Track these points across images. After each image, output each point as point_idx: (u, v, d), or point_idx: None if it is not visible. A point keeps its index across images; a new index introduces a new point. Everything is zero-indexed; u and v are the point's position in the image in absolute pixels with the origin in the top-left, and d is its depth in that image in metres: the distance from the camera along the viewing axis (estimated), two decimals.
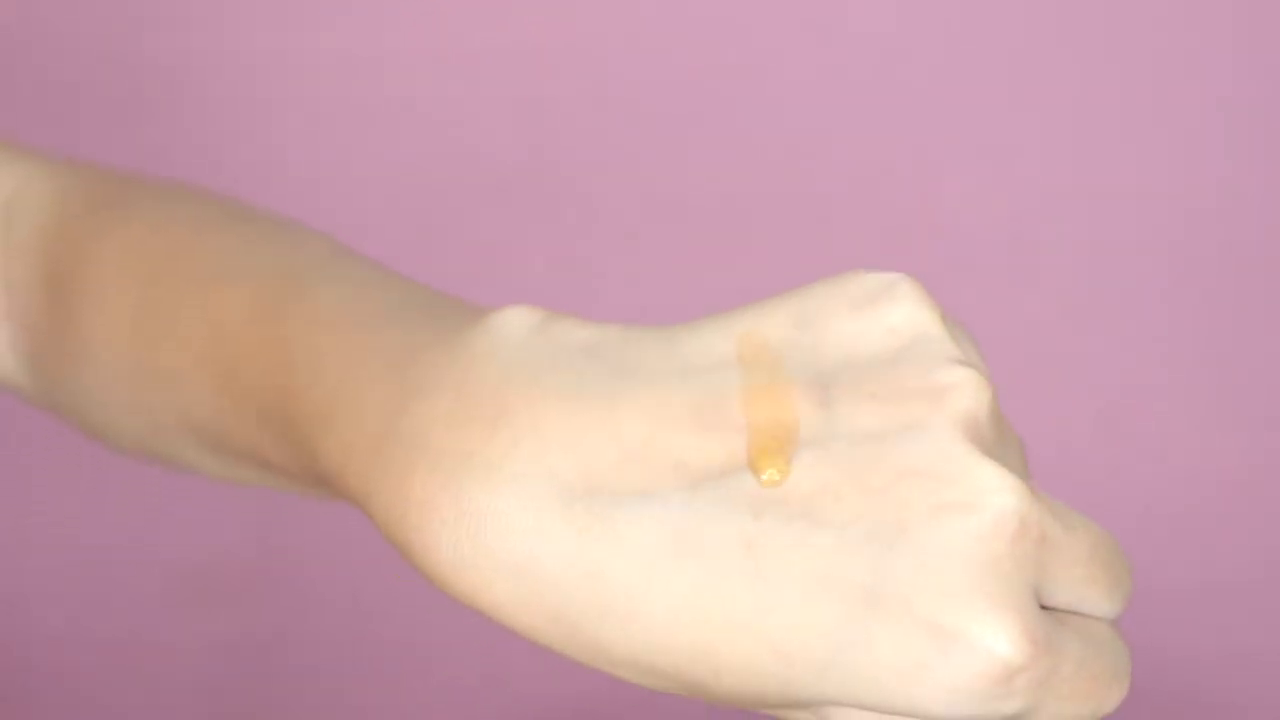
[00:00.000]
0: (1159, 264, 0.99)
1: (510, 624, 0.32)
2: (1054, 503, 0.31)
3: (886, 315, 0.32)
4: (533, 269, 0.99)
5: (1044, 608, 0.32)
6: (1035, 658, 0.30)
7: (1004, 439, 0.32)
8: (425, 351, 0.33)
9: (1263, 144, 0.97)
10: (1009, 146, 0.98)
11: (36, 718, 1.06)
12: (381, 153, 0.98)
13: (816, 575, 0.30)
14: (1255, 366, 1.00)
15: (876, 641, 0.30)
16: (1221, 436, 1.00)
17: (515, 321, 0.33)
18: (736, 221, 0.99)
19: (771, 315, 0.33)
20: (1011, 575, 0.30)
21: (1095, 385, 1.00)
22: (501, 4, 0.96)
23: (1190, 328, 1.00)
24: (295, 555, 1.04)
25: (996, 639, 0.30)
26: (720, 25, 0.97)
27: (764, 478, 0.30)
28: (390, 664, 1.05)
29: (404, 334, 0.34)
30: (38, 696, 1.06)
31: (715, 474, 0.31)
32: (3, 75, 0.97)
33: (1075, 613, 0.32)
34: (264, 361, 0.37)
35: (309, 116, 0.98)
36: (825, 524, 0.30)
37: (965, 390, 0.31)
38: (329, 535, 1.03)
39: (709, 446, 0.31)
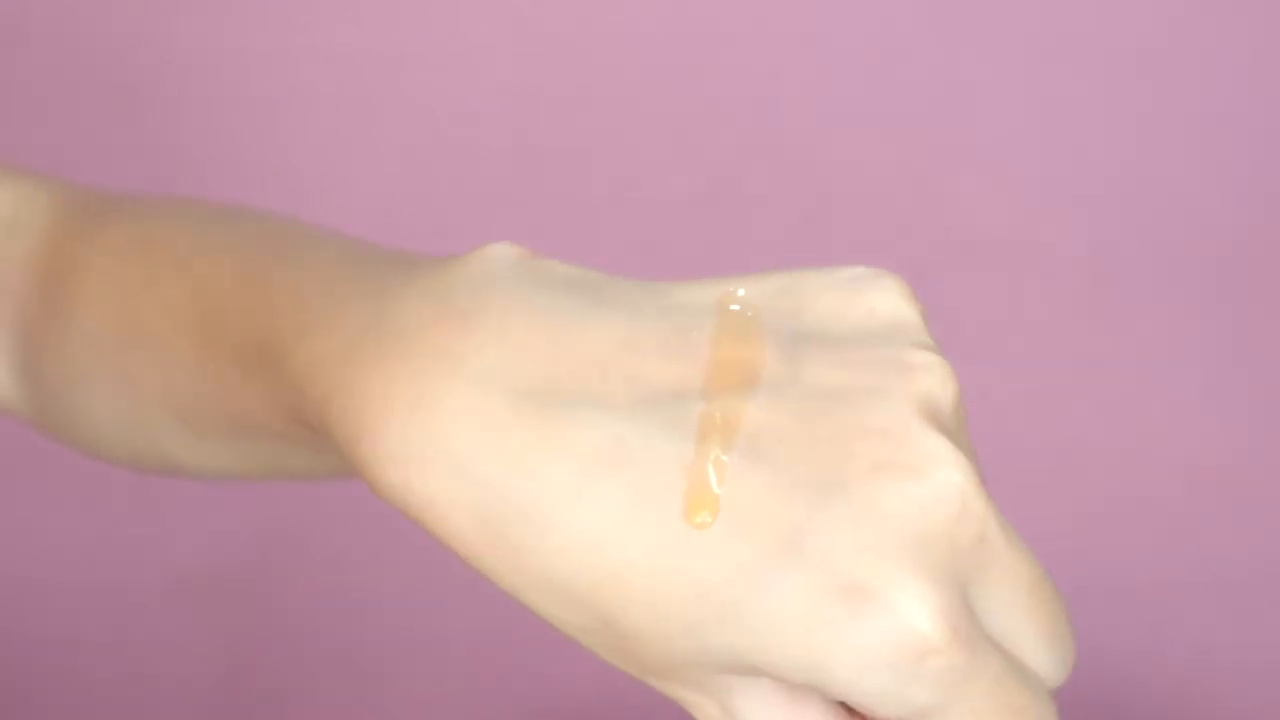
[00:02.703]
0: (1159, 263, 0.99)
1: (439, 526, 0.31)
2: (1005, 520, 0.31)
3: (869, 298, 0.33)
4: None
5: None
6: (951, 643, 0.29)
7: (963, 439, 0.32)
8: (410, 278, 0.34)
9: (1265, 142, 0.97)
10: (1009, 146, 0.98)
11: (37, 718, 1.06)
12: (385, 151, 0.98)
13: (744, 510, 0.30)
14: (1257, 365, 1.00)
15: (791, 588, 0.29)
16: (1222, 436, 1.00)
17: (501, 253, 0.33)
18: (737, 221, 0.99)
19: (759, 281, 0.33)
20: (944, 556, 0.29)
21: (1095, 385, 1.00)
22: (506, 2, 0.96)
23: (1190, 327, 1.00)
24: (296, 556, 1.04)
25: (913, 608, 0.29)
26: (722, 26, 0.97)
27: (696, 520, 0.30)
28: (390, 664, 1.05)
29: (389, 270, 0.35)
30: (38, 696, 1.06)
31: (667, 394, 0.31)
32: (3, 73, 0.97)
33: (1010, 652, 0.31)
34: (245, 305, 0.37)
35: (311, 114, 0.98)
36: (765, 460, 0.30)
37: (932, 372, 0.31)
38: (330, 536, 1.03)
39: (668, 369, 0.31)
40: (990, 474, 1.00)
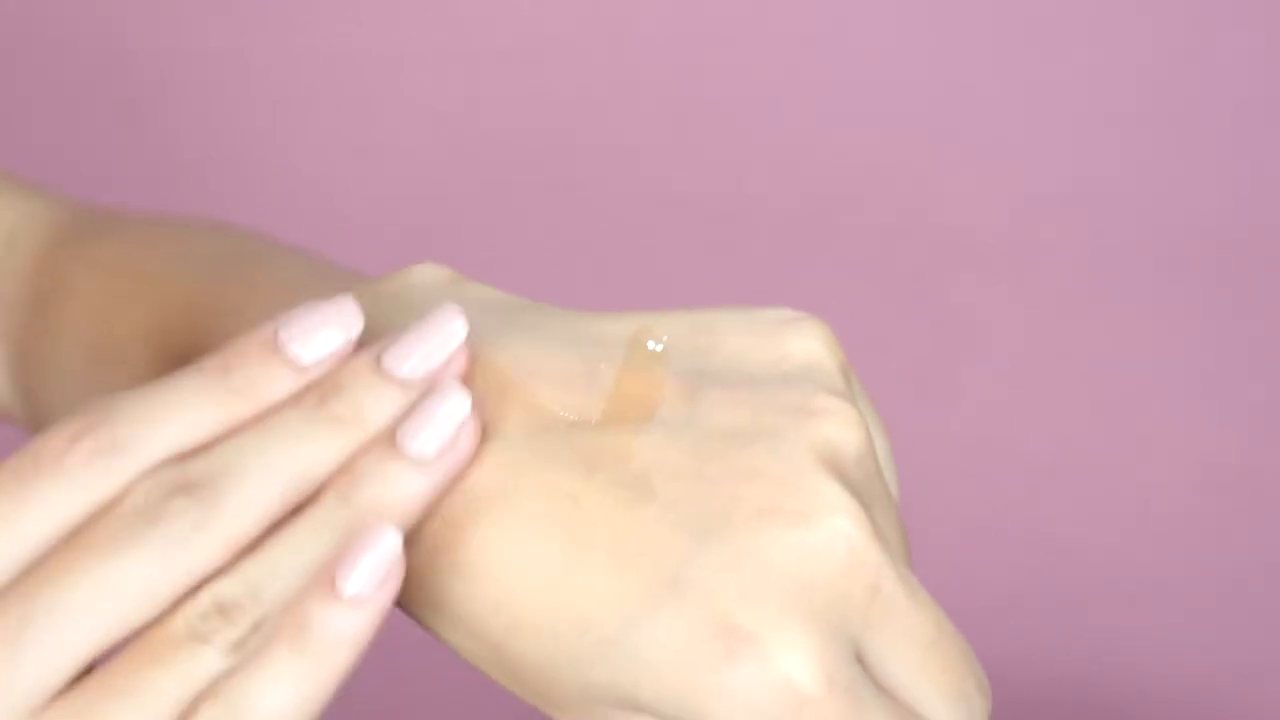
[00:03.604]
0: (1159, 263, 0.99)
1: None
2: (908, 573, 0.30)
3: (784, 341, 0.32)
4: (536, 266, 0.99)
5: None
6: (829, 696, 0.28)
7: (871, 491, 0.31)
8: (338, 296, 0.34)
9: (1264, 142, 0.97)
10: (1009, 146, 0.98)
11: None
12: (385, 151, 0.98)
13: (627, 544, 0.29)
14: (1257, 364, 1.00)
15: (667, 627, 0.29)
16: (1222, 435, 1.00)
17: (427, 274, 0.34)
18: (737, 221, 0.99)
19: (675, 319, 0.32)
20: (829, 605, 0.28)
21: (1095, 385, 1.00)
22: (506, 2, 0.96)
23: (1190, 327, 1.00)
24: None
25: (787, 655, 0.28)
26: (722, 26, 0.97)
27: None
28: (391, 664, 1.05)
29: (324, 291, 0.35)
30: None
31: (563, 424, 0.30)
32: (3, 73, 0.97)
33: (910, 708, 0.30)
34: (195, 324, 0.38)
35: (311, 114, 0.98)
36: (652, 498, 0.29)
37: (837, 418, 0.30)
38: None
39: (569, 400, 0.31)
40: (989, 474, 1.00)
